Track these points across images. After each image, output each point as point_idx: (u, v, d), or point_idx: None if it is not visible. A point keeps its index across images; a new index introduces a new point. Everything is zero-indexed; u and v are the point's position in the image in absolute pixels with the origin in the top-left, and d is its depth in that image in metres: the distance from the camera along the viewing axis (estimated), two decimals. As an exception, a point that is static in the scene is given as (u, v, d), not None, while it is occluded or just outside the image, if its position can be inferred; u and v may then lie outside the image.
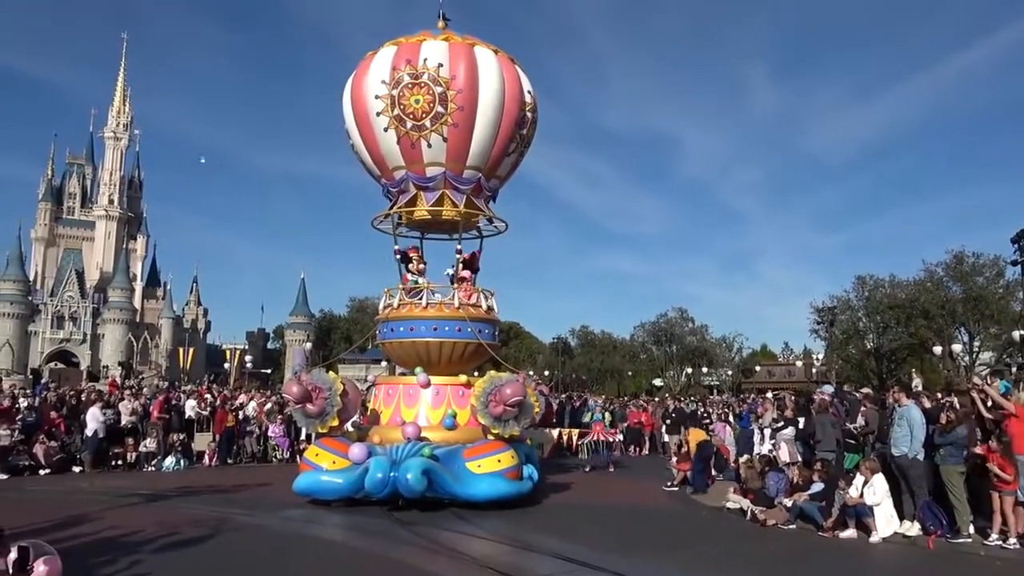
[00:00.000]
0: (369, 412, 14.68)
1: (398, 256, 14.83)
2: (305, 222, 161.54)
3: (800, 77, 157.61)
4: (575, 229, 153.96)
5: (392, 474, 11.34)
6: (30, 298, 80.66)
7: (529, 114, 14.67)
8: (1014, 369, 33.22)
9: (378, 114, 13.72)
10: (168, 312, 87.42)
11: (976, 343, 53.59)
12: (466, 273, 14.78)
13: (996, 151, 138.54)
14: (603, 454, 19.02)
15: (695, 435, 15.42)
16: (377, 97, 13.66)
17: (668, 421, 21.98)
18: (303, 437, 21.41)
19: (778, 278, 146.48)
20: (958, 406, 10.95)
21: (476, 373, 14.33)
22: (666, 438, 21.61)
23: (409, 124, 13.53)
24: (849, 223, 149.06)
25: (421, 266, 14.92)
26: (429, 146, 13.69)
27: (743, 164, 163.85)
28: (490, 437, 12.40)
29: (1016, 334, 41.82)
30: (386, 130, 13.76)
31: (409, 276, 14.65)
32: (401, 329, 14.15)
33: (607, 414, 22.08)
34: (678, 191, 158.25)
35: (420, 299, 14.14)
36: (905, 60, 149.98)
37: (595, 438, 19.25)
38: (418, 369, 13.71)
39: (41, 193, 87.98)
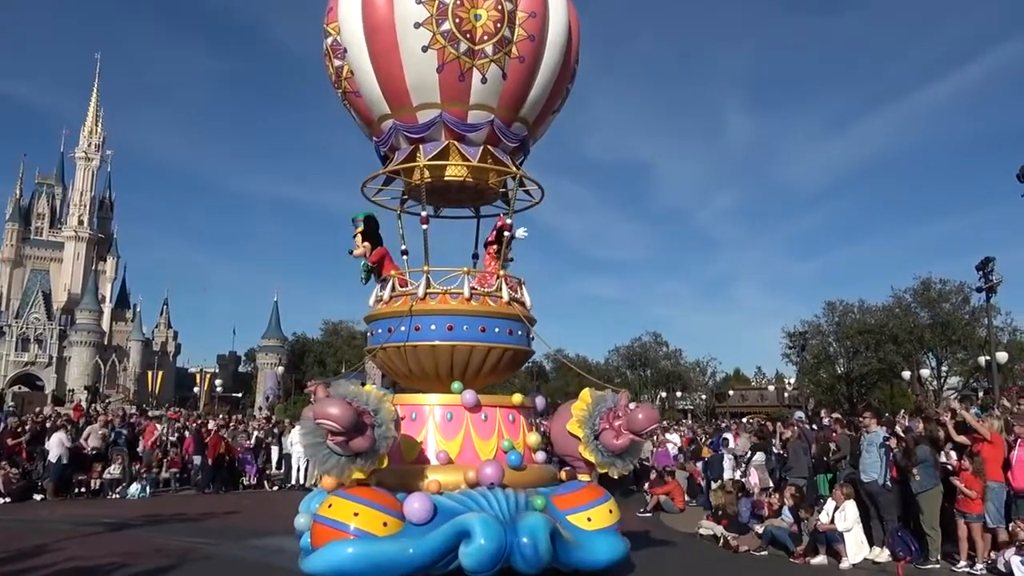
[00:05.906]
0: None
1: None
2: (278, 245, 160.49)
3: (775, 107, 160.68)
4: (553, 254, 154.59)
5: (511, 540, 7.72)
6: (-6, 320, 79.29)
7: (575, 67, 11.36)
8: (981, 394, 33.83)
9: (417, 26, 9.74)
10: (137, 335, 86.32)
11: (944, 368, 54.56)
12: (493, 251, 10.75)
13: (962, 182, 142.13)
14: None
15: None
16: (419, 2, 9.72)
17: None
18: (274, 462, 21.12)
19: (753, 303, 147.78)
20: (921, 430, 11.11)
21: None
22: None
23: (463, 47, 9.77)
24: (823, 249, 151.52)
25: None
26: (484, 81, 9.98)
27: (720, 191, 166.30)
28: (583, 479, 9.40)
29: (982, 359, 42.62)
30: (425, 50, 9.80)
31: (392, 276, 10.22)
32: (432, 328, 9.65)
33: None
34: (656, 217, 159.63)
35: (461, 287, 9.92)
36: (877, 92, 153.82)
37: None
38: (457, 385, 9.65)
39: (8, 213, 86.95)
